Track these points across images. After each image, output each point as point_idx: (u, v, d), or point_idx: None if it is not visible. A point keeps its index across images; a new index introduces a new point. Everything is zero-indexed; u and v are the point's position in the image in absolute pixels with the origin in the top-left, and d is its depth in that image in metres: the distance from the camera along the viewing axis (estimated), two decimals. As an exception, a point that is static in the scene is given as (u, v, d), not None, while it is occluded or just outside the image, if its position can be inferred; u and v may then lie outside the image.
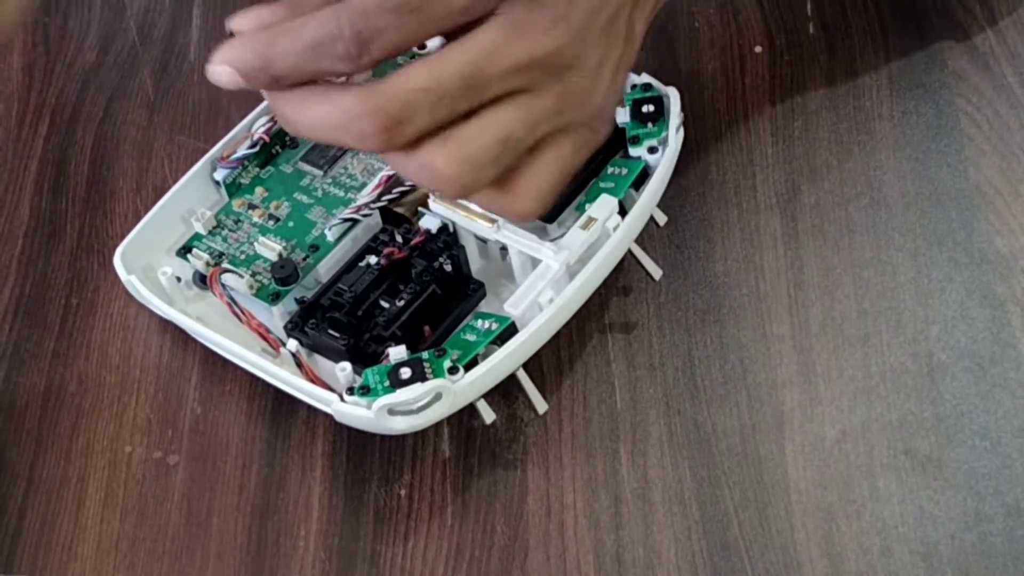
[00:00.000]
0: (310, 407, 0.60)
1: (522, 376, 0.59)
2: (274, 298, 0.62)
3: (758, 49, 0.72)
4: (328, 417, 0.58)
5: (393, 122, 0.49)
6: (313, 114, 0.50)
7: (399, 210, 0.63)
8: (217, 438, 0.60)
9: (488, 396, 0.59)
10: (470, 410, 0.59)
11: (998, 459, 0.57)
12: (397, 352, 0.57)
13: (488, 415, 0.59)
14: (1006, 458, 0.57)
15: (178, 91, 0.74)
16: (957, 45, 0.70)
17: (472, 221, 0.60)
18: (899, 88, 0.69)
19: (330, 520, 0.58)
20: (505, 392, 0.60)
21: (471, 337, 0.58)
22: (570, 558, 0.56)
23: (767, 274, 0.63)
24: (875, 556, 0.55)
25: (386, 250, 0.61)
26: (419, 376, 0.56)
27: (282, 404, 0.61)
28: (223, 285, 0.62)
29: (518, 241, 0.60)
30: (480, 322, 0.58)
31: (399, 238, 0.61)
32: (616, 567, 0.56)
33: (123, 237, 0.64)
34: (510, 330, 0.58)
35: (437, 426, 0.60)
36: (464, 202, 0.60)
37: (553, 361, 0.61)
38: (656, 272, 0.62)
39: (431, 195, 0.61)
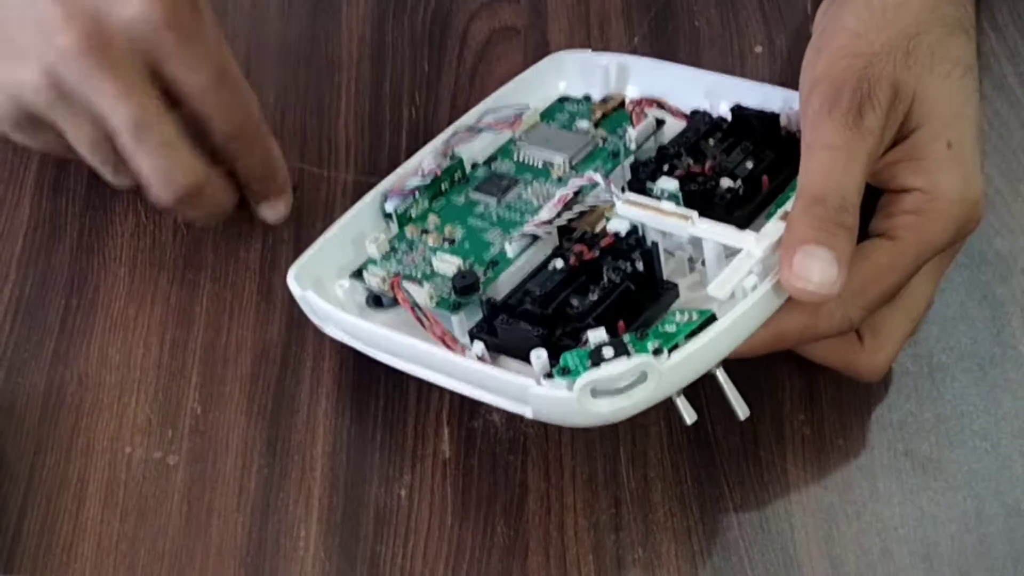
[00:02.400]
0: (310, 407, 0.60)
1: (722, 377, 0.55)
2: (455, 308, 0.59)
3: (758, 49, 0.72)
4: (328, 417, 0.58)
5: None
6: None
7: (579, 226, 0.60)
8: (217, 438, 0.60)
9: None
10: (471, 410, 0.59)
11: (998, 460, 0.57)
12: (597, 334, 0.54)
13: (690, 414, 0.55)
14: (1006, 459, 0.57)
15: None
16: (957, 45, 0.70)
17: (664, 219, 0.58)
18: (899, 88, 0.69)
19: (330, 520, 0.58)
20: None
21: (670, 328, 0.55)
22: (570, 558, 0.56)
23: (767, 274, 0.63)
24: (875, 557, 0.55)
25: (576, 247, 0.58)
26: (622, 354, 0.52)
27: (282, 404, 0.61)
28: (406, 291, 0.59)
29: (718, 233, 0.57)
30: (678, 315, 0.56)
31: (587, 241, 0.59)
32: (616, 567, 0.56)
33: (123, 237, 0.64)
34: (710, 322, 0.55)
35: (437, 426, 0.60)
36: (654, 202, 0.58)
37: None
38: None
39: (616, 200, 0.59)
